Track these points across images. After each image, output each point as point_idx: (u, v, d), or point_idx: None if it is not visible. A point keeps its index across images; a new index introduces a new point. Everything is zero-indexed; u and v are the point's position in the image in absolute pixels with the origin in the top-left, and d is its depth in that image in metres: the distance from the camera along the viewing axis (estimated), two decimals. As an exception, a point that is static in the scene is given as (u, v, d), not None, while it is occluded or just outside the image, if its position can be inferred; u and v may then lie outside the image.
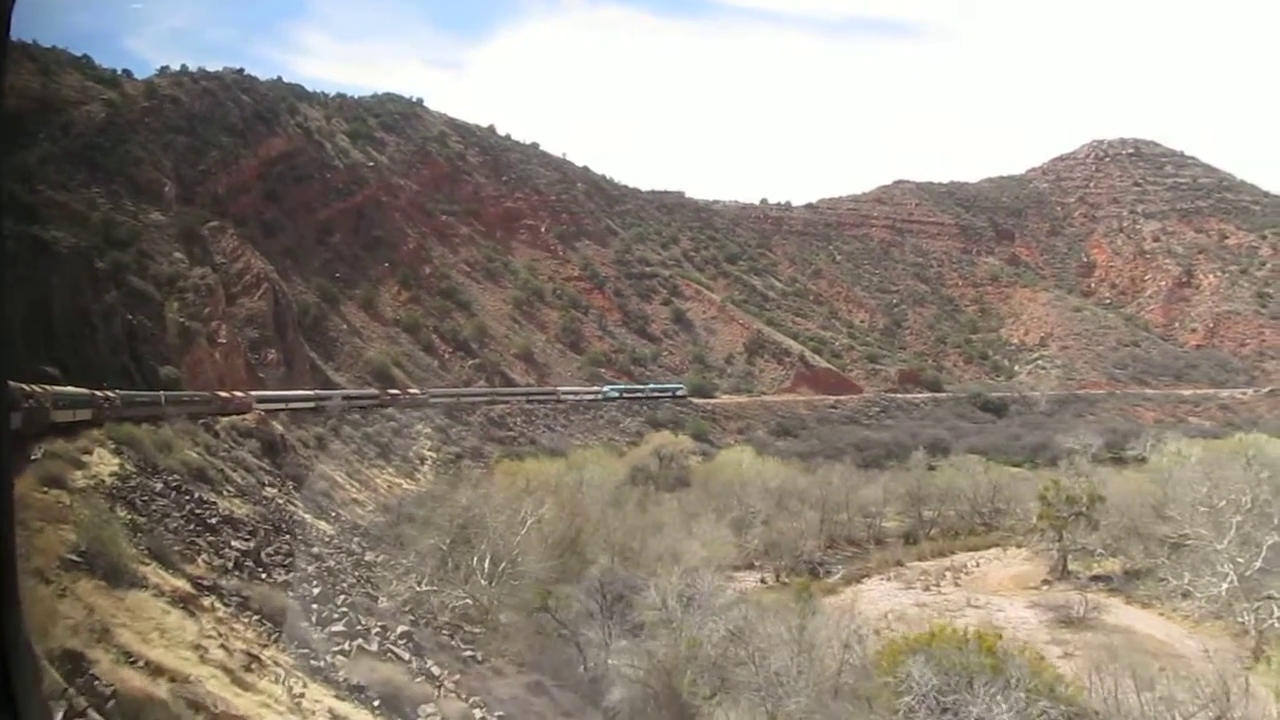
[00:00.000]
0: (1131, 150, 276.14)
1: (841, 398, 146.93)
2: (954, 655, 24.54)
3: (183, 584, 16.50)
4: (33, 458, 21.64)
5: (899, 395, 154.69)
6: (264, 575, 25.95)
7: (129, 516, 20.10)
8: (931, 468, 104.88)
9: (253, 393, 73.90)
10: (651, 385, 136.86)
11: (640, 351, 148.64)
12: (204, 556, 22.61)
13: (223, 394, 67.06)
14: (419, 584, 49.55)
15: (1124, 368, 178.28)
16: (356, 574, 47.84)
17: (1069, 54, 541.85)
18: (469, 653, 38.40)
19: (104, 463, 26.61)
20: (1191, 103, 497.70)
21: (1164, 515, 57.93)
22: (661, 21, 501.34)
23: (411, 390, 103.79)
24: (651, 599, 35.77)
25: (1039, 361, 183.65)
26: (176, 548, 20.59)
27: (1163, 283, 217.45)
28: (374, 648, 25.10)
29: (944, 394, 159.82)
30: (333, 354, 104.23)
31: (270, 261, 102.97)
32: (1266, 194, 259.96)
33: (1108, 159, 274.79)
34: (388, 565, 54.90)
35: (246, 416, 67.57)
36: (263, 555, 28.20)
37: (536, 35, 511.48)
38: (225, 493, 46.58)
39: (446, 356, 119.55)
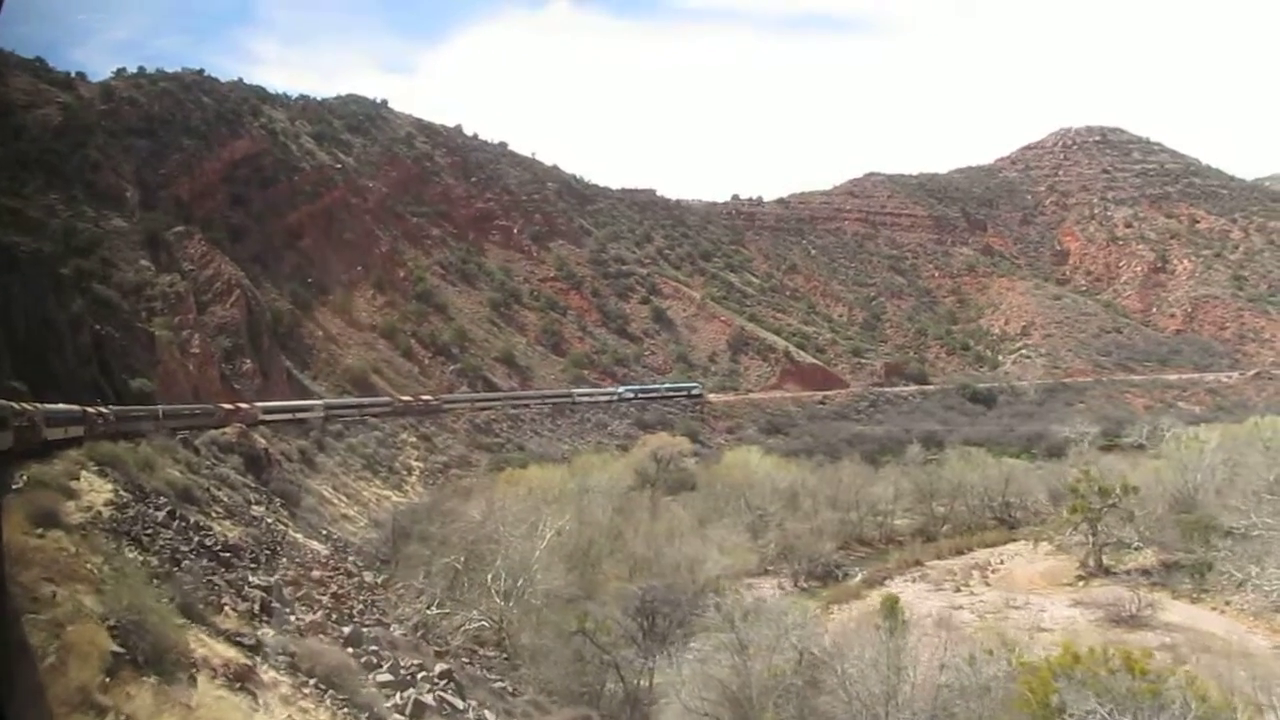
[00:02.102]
0: (1098, 138, 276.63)
1: (829, 393, 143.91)
2: (1105, 680, 21.09)
3: (231, 652, 12.70)
4: (15, 486, 17.69)
5: (886, 389, 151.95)
6: (291, 616, 22.08)
7: (140, 558, 16.25)
8: (929, 461, 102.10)
9: (258, 404, 70.29)
10: (666, 385, 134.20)
11: (622, 352, 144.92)
12: (227, 600, 18.72)
13: (225, 405, 63.07)
14: (430, 607, 45.67)
15: (1108, 354, 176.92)
16: (361, 598, 44.03)
17: (1024, 44, 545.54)
18: (498, 683, 34.70)
19: (95, 489, 22.61)
20: (1151, 90, 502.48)
21: (1227, 504, 55.03)
22: (616, 23, 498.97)
23: (425, 396, 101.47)
24: (712, 619, 31.99)
25: (1023, 351, 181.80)
26: (199, 593, 16.69)
27: (1138, 269, 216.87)
28: (429, 699, 21.30)
29: (931, 386, 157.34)
30: (309, 362, 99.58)
31: (239, 267, 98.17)
32: (1232, 178, 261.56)
33: (1075, 147, 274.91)
34: (389, 586, 51.10)
35: (227, 430, 63.49)
36: (284, 591, 24.30)
37: (492, 38, 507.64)
38: (214, 514, 42.67)
39: (426, 362, 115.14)
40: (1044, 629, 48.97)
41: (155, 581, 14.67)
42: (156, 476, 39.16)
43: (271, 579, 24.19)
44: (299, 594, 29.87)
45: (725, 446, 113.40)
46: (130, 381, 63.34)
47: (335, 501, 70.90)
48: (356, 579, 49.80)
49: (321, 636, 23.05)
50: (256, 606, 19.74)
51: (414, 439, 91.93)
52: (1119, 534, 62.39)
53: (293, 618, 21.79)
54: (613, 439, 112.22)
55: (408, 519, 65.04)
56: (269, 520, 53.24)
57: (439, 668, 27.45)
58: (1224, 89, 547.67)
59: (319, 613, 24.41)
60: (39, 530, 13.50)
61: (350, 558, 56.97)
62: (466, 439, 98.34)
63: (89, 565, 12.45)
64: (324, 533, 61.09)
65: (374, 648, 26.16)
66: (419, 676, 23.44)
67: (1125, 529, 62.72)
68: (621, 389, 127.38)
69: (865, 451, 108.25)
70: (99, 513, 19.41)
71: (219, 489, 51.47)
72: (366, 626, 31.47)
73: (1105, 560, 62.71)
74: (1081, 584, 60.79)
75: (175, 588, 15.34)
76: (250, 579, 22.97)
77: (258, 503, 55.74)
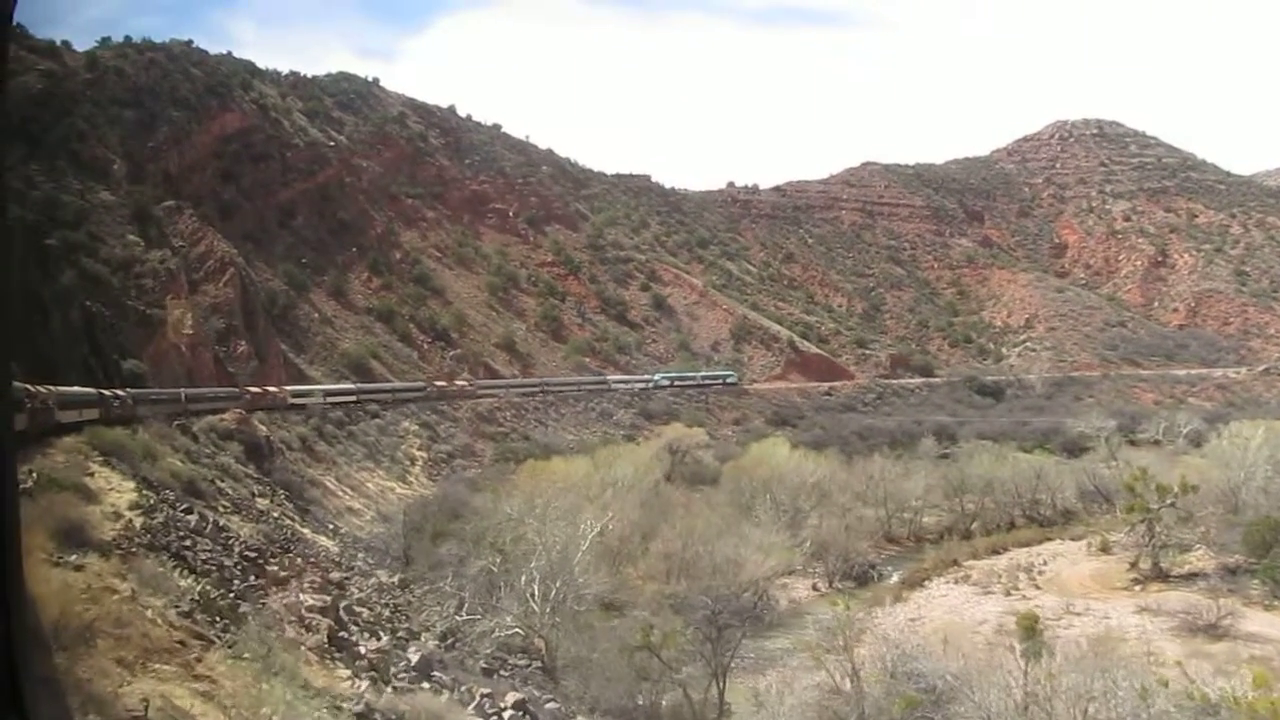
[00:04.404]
0: (1095, 130, 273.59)
1: (835, 384, 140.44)
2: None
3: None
4: (23, 486, 13.57)
5: (893, 381, 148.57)
6: (359, 646, 18.09)
7: (196, 585, 12.24)
8: (943, 455, 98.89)
9: (286, 387, 67.07)
10: (702, 373, 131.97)
11: (624, 339, 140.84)
12: (292, 632, 14.70)
13: (253, 389, 59.33)
14: (459, 612, 41.87)
15: (1114, 348, 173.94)
16: (383, 601, 40.27)
17: (1018, 35, 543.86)
18: (549, 702, 30.83)
19: (115, 489, 18.58)
20: (1144, 84, 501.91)
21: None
22: (608, 10, 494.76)
23: (459, 382, 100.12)
24: (811, 635, 28.07)
25: (1027, 344, 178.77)
26: (272, 631, 12.66)
27: (1138, 262, 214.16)
28: (531, 750, 17.37)
29: (937, 378, 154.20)
30: (304, 345, 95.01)
31: (231, 245, 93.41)
32: (1229, 174, 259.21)
33: (1072, 139, 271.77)
34: (407, 587, 47.43)
35: (225, 416, 59.40)
36: (340, 612, 20.27)
37: (476, 25, 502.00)
38: (221, 508, 38.78)
39: (425, 347, 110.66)
40: (1115, 637, 45.37)
41: (220, 620, 10.60)
42: (159, 467, 35.40)
43: (327, 598, 20.12)
44: (342, 604, 25.93)
45: (732, 438, 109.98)
46: (122, 362, 58.91)
47: (339, 493, 66.85)
48: (374, 581, 45.99)
49: (397, 663, 19.11)
50: (325, 638, 15.67)
51: (416, 427, 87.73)
52: (1179, 535, 58.87)
53: (360, 647, 17.76)
54: (618, 429, 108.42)
55: (419, 514, 61.18)
56: (275, 515, 49.55)
57: (511, 697, 23.56)
58: (1216, 85, 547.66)
59: (384, 638, 20.37)
60: (73, 557, 9.52)
61: (360, 555, 53.34)
62: (470, 428, 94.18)
63: (153, 615, 8.50)
64: (331, 527, 57.27)
65: (435, 673, 22.30)
66: (506, 717, 19.53)
67: (1182, 529, 59.34)
68: (657, 376, 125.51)
69: (875, 445, 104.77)
70: (130, 522, 15.40)
71: (222, 480, 47.67)
72: (403, 640, 27.60)
73: (1162, 563, 59.13)
74: (1138, 588, 57.29)
75: (246, 629, 11.25)
76: (302, 598, 18.89)
77: (261, 495, 52.10)
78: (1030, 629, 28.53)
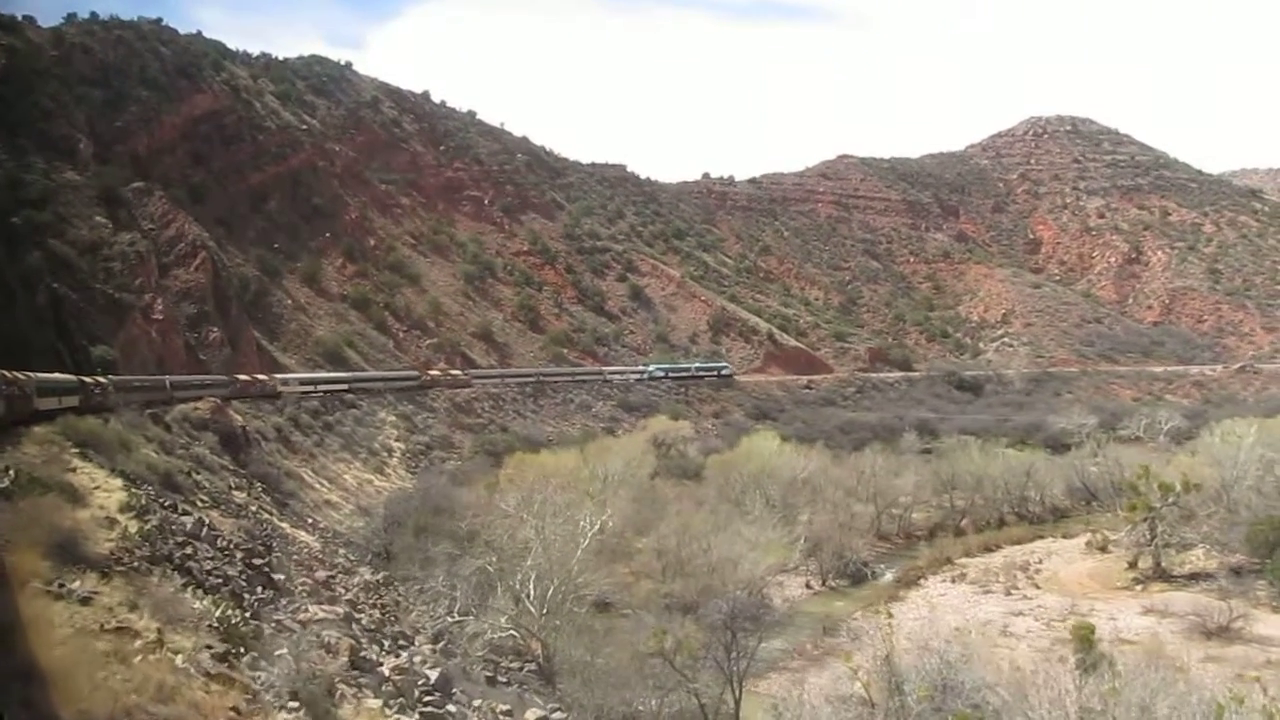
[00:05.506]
0: (1069, 127, 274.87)
1: (815, 377, 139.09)
2: None
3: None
4: (1, 485, 11.53)
5: (872, 375, 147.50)
6: (379, 665, 16.10)
7: (214, 608, 10.26)
8: (925, 451, 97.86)
9: (276, 375, 64.96)
10: (696, 365, 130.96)
11: (601, 330, 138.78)
12: (322, 661, 12.70)
13: (242, 376, 56.93)
14: (450, 612, 39.98)
15: (1090, 344, 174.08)
16: (369, 600, 38.24)
17: (992, 30, 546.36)
18: (557, 713, 29.02)
19: (102, 486, 16.47)
20: (1115, 82, 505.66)
21: None
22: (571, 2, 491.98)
23: (453, 372, 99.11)
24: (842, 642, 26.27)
25: (1005, 339, 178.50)
26: (303, 663, 10.66)
27: (1112, 259, 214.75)
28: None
29: (916, 373, 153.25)
30: (278, 333, 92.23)
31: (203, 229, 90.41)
32: (1200, 172, 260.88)
33: (1046, 135, 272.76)
34: (391, 585, 45.38)
35: (199, 405, 56.99)
36: (353, 626, 18.28)
37: (445, 13, 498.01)
38: (199, 503, 36.58)
39: (401, 336, 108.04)
40: (1125, 640, 44.10)
41: (258, 660, 8.62)
42: (134, 459, 33.30)
43: (338, 609, 18.11)
44: (355, 610, 23.90)
45: (713, 431, 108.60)
46: (91, 348, 56.24)
47: (316, 486, 64.48)
48: (359, 579, 43.86)
49: (414, 678, 17.15)
50: (347, 660, 13.68)
51: (393, 418, 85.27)
52: (1181, 534, 57.84)
53: (382, 667, 15.80)
54: (597, 421, 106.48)
55: (399, 507, 59.03)
56: (253, 509, 47.38)
57: (533, 714, 21.66)
58: (1187, 85, 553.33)
59: (401, 654, 18.40)
60: (75, 583, 7.53)
61: (342, 550, 51.31)
62: (447, 419, 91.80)
63: (186, 661, 6.55)
64: (310, 521, 55.04)
65: (454, 690, 20.38)
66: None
67: (1183, 528, 58.36)
68: (652, 367, 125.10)
69: (858, 439, 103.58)
70: (125, 529, 13.35)
71: (198, 472, 45.47)
72: (401, 646, 25.62)
73: (1162, 562, 58.06)
74: (1139, 588, 56.21)
75: (282, 668, 9.26)
76: (313, 610, 16.87)
77: (238, 488, 49.96)
78: (1086, 639, 26.83)
